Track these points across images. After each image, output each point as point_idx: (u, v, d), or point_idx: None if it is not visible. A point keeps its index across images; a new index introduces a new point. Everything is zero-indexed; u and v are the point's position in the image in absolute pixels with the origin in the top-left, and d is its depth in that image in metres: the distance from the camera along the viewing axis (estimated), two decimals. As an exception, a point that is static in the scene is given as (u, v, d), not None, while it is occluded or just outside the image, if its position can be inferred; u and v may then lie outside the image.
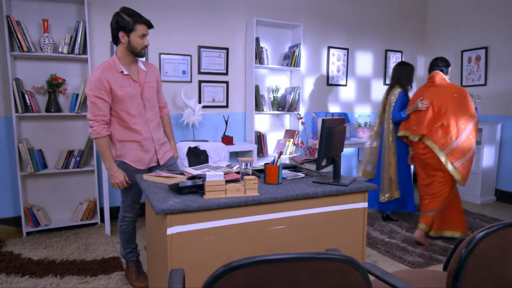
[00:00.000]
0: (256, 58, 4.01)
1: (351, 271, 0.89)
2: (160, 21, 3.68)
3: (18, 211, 3.24)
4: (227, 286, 0.84)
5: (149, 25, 2.15)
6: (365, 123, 4.68)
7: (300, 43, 4.16)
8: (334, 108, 4.77)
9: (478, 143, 4.39)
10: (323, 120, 1.89)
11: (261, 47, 4.06)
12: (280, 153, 2.03)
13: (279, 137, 4.45)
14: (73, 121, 3.42)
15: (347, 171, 5.00)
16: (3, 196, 3.27)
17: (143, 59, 2.33)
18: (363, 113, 4.97)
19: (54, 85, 3.18)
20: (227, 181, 1.86)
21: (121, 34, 2.10)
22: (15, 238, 3.13)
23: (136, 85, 2.20)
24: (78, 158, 3.31)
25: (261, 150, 4.17)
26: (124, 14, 2.09)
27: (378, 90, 5.09)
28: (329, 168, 2.26)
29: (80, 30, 3.19)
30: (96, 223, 3.42)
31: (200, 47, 3.90)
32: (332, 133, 1.96)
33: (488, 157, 4.35)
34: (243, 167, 1.91)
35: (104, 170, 3.21)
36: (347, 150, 4.91)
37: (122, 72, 2.14)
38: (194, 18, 3.85)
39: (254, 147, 3.89)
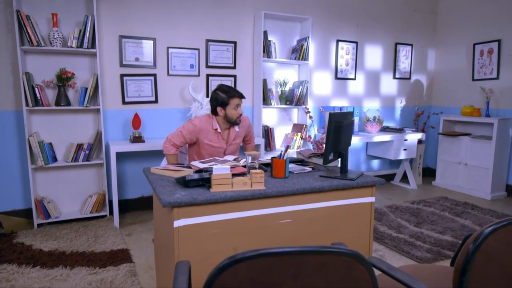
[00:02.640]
0: (264, 51, 3.99)
1: (356, 265, 0.88)
2: (168, 15, 3.68)
3: (29, 203, 3.30)
4: (231, 278, 0.84)
5: (241, 97, 2.50)
6: (374, 117, 4.64)
7: (308, 37, 4.13)
8: (342, 102, 4.74)
9: (489, 138, 4.33)
10: (330, 114, 1.88)
11: (269, 41, 4.04)
12: (287, 147, 2.02)
13: (287, 131, 4.44)
14: (82, 115, 3.46)
15: (356, 165, 4.97)
16: (15, 189, 3.33)
17: None
18: (372, 107, 4.92)
19: (64, 79, 3.21)
20: (234, 175, 1.86)
21: (218, 108, 2.48)
22: (27, 229, 3.19)
23: (223, 143, 2.57)
24: (87, 152, 3.35)
25: (269, 144, 4.17)
26: (220, 91, 2.48)
27: (388, 84, 5.03)
28: (337, 163, 2.25)
29: (89, 24, 3.21)
30: (105, 215, 3.46)
31: (208, 40, 3.89)
32: (339, 127, 1.94)
33: (499, 152, 4.28)
34: (249, 161, 1.91)
35: (113, 164, 3.24)
36: (355, 144, 4.88)
37: (216, 129, 2.51)
38: (202, 12, 3.83)
39: (261, 141, 3.89)
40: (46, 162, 3.20)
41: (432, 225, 3.40)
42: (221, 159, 2.31)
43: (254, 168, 1.89)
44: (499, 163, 4.31)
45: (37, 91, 3.12)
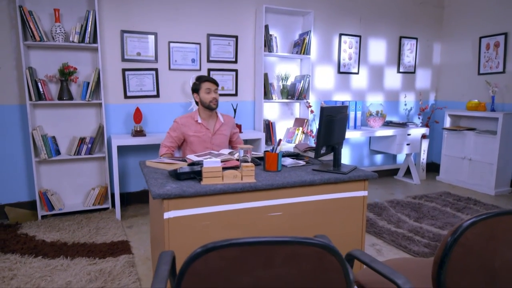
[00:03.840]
0: (265, 46, 3.99)
1: (327, 256, 0.90)
2: (169, 10, 3.70)
3: (34, 196, 3.38)
4: (203, 266, 0.87)
5: (212, 81, 2.65)
6: (377, 112, 4.61)
7: (310, 30, 4.11)
8: (345, 97, 4.71)
9: (494, 132, 4.27)
10: (322, 108, 1.89)
11: (270, 35, 4.03)
12: (279, 141, 2.04)
13: (288, 126, 4.44)
14: (85, 109, 3.51)
15: (358, 160, 4.95)
16: (20, 181, 3.40)
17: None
18: (375, 101, 4.89)
19: (66, 74, 3.26)
20: (227, 168, 1.88)
21: (195, 95, 2.68)
22: (31, 221, 3.27)
23: (209, 132, 2.67)
24: (89, 145, 3.40)
25: (270, 138, 4.18)
26: (195, 80, 2.70)
27: (392, 78, 4.99)
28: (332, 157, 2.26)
29: (90, 19, 3.24)
30: (108, 208, 3.53)
31: (209, 35, 3.90)
32: (331, 121, 1.94)
33: (503, 147, 4.22)
34: (242, 155, 1.93)
35: (115, 157, 3.29)
36: (358, 139, 4.86)
37: (197, 121, 2.65)
38: (203, 6, 3.84)
39: (262, 135, 3.90)
40: (49, 155, 3.27)
41: (432, 220, 3.38)
42: (217, 152, 2.33)
43: (246, 161, 1.91)
44: (503, 158, 4.25)
45: (40, 85, 3.17)
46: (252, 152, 2.35)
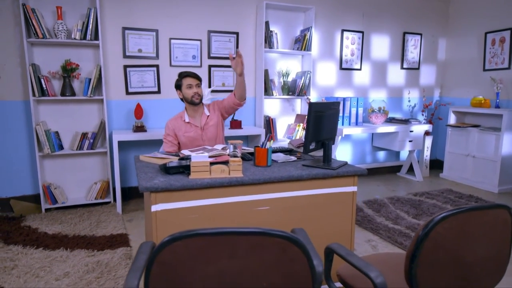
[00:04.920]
0: (265, 42, 4.00)
1: (290, 246, 0.92)
2: (170, 7, 3.73)
3: (37, 189, 3.47)
4: (170, 255, 0.90)
5: (193, 76, 2.58)
6: (379, 108, 4.59)
7: (311, 27, 4.10)
8: (347, 93, 4.70)
9: (498, 129, 4.21)
10: (310, 104, 1.90)
11: (271, 31, 4.04)
12: (270, 137, 2.06)
13: (290, 122, 4.45)
14: (87, 105, 3.58)
15: (361, 156, 4.94)
16: (24, 175, 3.50)
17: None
18: (377, 98, 4.86)
19: (68, 70, 3.33)
20: (218, 163, 1.91)
21: (178, 92, 2.65)
22: (35, 214, 3.36)
23: (198, 129, 2.64)
24: (91, 140, 3.48)
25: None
26: (177, 76, 2.64)
27: (395, 74, 4.95)
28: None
29: (92, 17, 3.30)
30: (109, 202, 3.60)
31: (210, 31, 3.93)
32: (320, 117, 1.96)
33: (508, 144, 4.17)
34: (231, 150, 1.96)
35: (116, 152, 3.36)
36: (360, 135, 4.85)
37: (185, 120, 2.63)
38: (203, 3, 3.87)
39: (262, 132, 3.92)
40: (53, 150, 3.35)
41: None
42: (210, 147, 2.37)
43: (236, 156, 1.94)
44: (507, 156, 4.20)
45: (43, 82, 3.25)
46: (243, 148, 2.38)
